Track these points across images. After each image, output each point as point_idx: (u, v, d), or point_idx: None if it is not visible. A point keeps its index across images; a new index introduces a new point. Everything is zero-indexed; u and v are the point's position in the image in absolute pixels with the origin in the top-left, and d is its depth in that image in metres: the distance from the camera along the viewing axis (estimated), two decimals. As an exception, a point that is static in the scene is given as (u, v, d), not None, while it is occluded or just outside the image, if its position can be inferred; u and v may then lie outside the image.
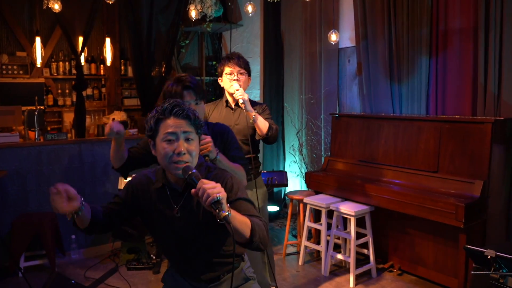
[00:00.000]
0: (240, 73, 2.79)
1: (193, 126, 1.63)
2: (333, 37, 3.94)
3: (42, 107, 4.45)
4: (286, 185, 4.84)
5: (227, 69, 2.80)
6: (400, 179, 3.71)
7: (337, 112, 4.85)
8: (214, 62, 6.90)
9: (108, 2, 3.89)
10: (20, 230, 3.84)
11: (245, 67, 2.83)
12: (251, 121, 2.71)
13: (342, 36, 4.79)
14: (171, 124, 1.60)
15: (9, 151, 4.13)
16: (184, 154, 1.58)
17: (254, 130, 2.80)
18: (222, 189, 1.41)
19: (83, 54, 5.65)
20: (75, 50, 4.72)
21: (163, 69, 5.64)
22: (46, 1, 4.04)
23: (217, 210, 1.37)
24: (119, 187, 4.03)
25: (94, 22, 4.77)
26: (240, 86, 2.75)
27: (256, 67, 5.97)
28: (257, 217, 1.59)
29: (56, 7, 4.06)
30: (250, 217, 1.53)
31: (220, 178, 1.65)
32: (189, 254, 1.73)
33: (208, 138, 2.06)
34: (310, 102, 5.03)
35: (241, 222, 1.47)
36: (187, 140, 1.60)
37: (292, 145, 5.19)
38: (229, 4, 5.93)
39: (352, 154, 4.25)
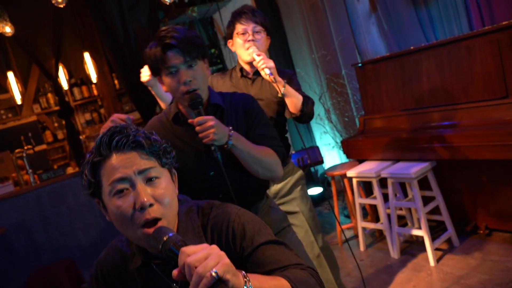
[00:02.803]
0: (257, 31, 2.08)
1: (152, 157, 1.07)
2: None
3: (29, 146, 3.92)
4: (322, 161, 4.12)
5: (238, 27, 2.08)
6: (460, 119, 2.92)
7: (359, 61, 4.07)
8: (213, 50, 6.22)
9: (59, 6, 3.29)
10: (36, 289, 3.33)
11: (263, 22, 2.10)
12: (279, 95, 1.99)
13: (342, -28, 3.99)
14: (116, 165, 1.02)
15: (5, 204, 3.64)
16: (151, 205, 1.01)
17: (282, 106, 2.12)
18: (219, 255, 0.84)
19: (65, 78, 5.12)
20: (49, 75, 4.15)
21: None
22: (-5, 26, 3.49)
23: None
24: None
25: (62, 38, 4.19)
26: (259, 49, 2.05)
27: (257, 41, 5.26)
28: (296, 265, 1.02)
29: (8, 30, 3.50)
30: (286, 275, 0.97)
31: (223, 221, 1.10)
32: None
33: (208, 119, 1.43)
34: (326, 60, 4.26)
35: None
36: (149, 181, 1.04)
37: (318, 114, 4.45)
38: (209, -21, 5.23)
39: (390, 105, 3.47)
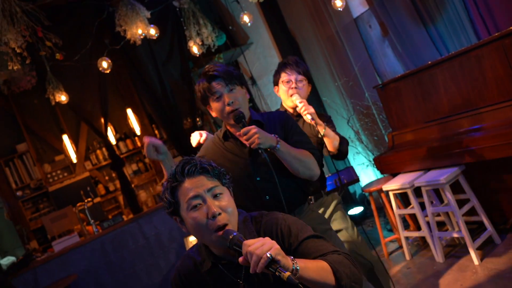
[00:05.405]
0: (299, 80, 2.39)
1: (215, 178, 1.41)
2: (338, 2, 3.49)
3: (89, 199, 4.33)
4: (358, 180, 4.33)
5: (283, 76, 2.41)
6: (482, 122, 3.11)
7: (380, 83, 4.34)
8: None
9: (105, 72, 3.76)
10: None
11: (305, 72, 2.42)
12: (320, 136, 2.27)
13: (352, 4, 4.34)
14: (189, 187, 1.36)
15: (74, 253, 4.01)
16: (220, 214, 1.34)
17: (320, 144, 2.39)
18: (272, 243, 1.17)
19: (112, 134, 5.61)
20: (100, 133, 4.63)
21: (197, 119, 5.45)
22: (52, 97, 3.99)
23: (276, 273, 1.12)
24: (187, 249, 3.74)
25: (107, 98, 4.68)
26: (300, 96, 2.35)
27: (282, 77, 5.62)
28: (334, 252, 1.28)
29: (63, 98, 4.00)
30: (325, 258, 1.26)
31: (272, 224, 1.40)
32: None
33: (252, 128, 1.77)
34: (348, 85, 4.56)
35: (317, 270, 1.20)
36: (215, 197, 1.37)
37: (349, 137, 4.70)
38: (230, 28, 5.69)
39: (415, 119, 3.69)
